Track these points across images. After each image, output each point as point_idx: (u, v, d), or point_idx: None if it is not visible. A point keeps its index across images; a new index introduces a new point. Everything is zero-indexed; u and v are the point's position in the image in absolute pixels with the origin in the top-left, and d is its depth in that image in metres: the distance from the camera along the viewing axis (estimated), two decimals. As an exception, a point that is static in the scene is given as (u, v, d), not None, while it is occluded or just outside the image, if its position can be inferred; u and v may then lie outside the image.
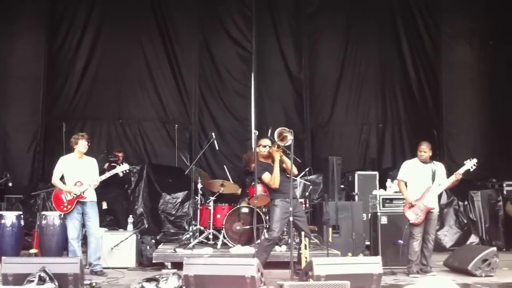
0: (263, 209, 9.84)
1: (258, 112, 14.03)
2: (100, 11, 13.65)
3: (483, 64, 14.17)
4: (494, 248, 8.70)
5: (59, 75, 13.48)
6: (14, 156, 12.96)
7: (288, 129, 7.71)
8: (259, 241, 8.58)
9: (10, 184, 11.00)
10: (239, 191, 10.89)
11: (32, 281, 6.35)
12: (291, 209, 7.66)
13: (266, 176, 7.92)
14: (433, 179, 8.59)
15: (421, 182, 8.61)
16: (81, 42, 13.56)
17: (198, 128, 13.99)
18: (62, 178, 8.69)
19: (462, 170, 8.47)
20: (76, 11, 13.63)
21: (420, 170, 8.68)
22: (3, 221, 9.54)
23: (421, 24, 14.40)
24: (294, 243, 7.83)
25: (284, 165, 7.92)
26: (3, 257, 6.87)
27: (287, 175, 7.86)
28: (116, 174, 9.11)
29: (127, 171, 9.09)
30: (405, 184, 8.75)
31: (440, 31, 14.34)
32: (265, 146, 8.01)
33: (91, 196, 8.65)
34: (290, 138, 7.66)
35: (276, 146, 7.78)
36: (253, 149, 10.98)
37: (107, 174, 8.76)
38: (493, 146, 13.43)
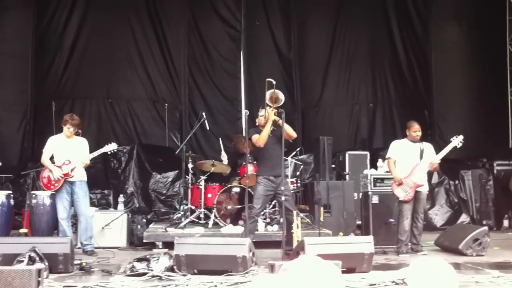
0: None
1: (248, 91, 13.96)
2: (88, -12, 13.50)
3: (473, 44, 14.15)
4: (486, 228, 8.72)
5: (47, 53, 13.30)
6: (4, 136, 12.82)
7: (274, 89, 7.76)
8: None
9: (0, 164, 10.91)
10: (228, 171, 10.85)
11: (22, 261, 6.31)
12: (282, 188, 7.66)
13: (254, 136, 7.96)
14: (421, 157, 8.59)
15: (409, 160, 8.60)
16: (69, 20, 13.38)
17: (188, 107, 13.91)
18: (52, 158, 8.63)
19: (449, 147, 8.43)
20: (64, -12, 13.46)
21: (409, 149, 8.67)
22: (-8, 200, 9.47)
23: (410, 5, 14.35)
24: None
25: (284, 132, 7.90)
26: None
27: (279, 147, 7.86)
28: None
29: (115, 150, 9.02)
30: (394, 163, 8.75)
31: (429, 11, 14.30)
32: (262, 115, 8.02)
33: (80, 176, 8.57)
34: (281, 97, 7.71)
35: (269, 108, 7.82)
36: (244, 130, 11.04)
37: (95, 153, 8.69)
38: (484, 126, 13.44)
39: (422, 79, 14.33)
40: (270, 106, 7.90)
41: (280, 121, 7.84)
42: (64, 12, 13.37)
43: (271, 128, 7.93)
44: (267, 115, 7.95)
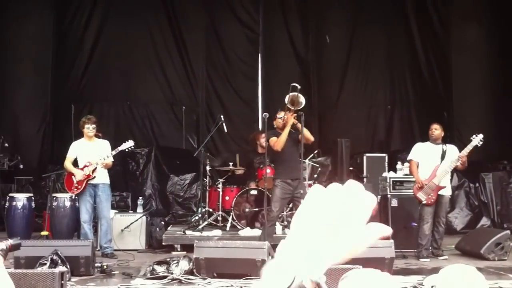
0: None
1: (266, 94, 13.95)
2: (107, -8, 13.59)
3: (494, 45, 14.03)
4: (508, 232, 8.64)
5: (66, 56, 13.40)
6: (24, 138, 12.92)
7: (297, 93, 7.73)
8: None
9: (21, 166, 10.99)
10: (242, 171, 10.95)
11: (45, 264, 6.37)
12: (301, 191, 7.64)
13: (272, 139, 7.92)
14: (443, 158, 8.51)
15: (430, 162, 8.54)
16: (89, 24, 13.47)
17: (206, 110, 13.90)
18: (76, 162, 8.70)
19: (470, 147, 8.36)
20: (84, -8, 13.56)
21: (430, 150, 8.61)
22: (14, 202, 9.58)
23: (430, 5, 14.24)
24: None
25: (300, 135, 7.89)
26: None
27: (296, 150, 7.86)
28: None
29: (132, 147, 9.08)
30: (417, 165, 8.69)
31: (449, 12, 14.19)
32: (280, 118, 8.01)
33: (102, 178, 8.63)
34: (301, 101, 7.68)
35: (288, 110, 7.81)
36: (260, 131, 11.05)
37: (113, 152, 8.75)
38: (504, 128, 13.30)
39: (442, 80, 14.20)
40: (289, 109, 7.86)
41: (299, 125, 7.82)
42: (83, 16, 13.46)
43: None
44: (286, 118, 7.91)
